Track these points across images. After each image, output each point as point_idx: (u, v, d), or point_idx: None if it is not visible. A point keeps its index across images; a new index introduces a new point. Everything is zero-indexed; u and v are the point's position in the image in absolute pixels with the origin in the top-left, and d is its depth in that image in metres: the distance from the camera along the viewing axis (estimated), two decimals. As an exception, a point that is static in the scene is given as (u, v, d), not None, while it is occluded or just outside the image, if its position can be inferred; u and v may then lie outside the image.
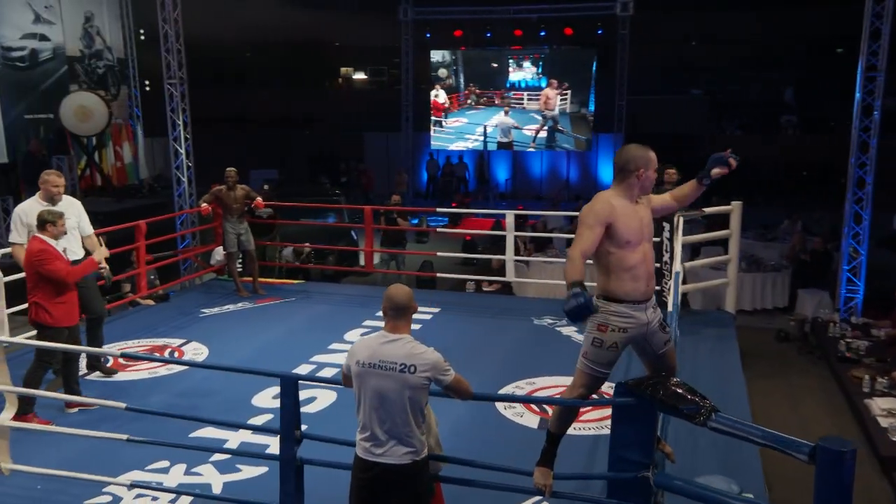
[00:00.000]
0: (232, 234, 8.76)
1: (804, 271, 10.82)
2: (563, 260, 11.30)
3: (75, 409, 5.66)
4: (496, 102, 20.37)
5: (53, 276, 5.24)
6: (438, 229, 14.58)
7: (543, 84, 19.76)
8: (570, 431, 4.20)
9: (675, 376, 3.57)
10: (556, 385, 6.26)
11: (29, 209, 5.83)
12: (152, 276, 9.20)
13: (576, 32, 19.47)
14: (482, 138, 20.73)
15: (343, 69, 26.84)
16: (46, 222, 5.37)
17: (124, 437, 4.43)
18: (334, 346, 7.21)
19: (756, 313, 10.78)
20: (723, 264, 8.58)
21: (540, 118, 20.05)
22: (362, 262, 12.19)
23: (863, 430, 6.95)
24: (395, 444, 3.42)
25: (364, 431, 3.47)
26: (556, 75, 19.68)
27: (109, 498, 4.48)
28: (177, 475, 4.73)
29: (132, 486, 4.40)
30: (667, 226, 7.79)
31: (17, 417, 5.20)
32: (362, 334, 7.61)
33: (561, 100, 19.67)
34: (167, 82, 11.85)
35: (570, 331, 7.66)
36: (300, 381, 3.95)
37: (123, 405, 4.47)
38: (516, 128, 20.39)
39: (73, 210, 6.04)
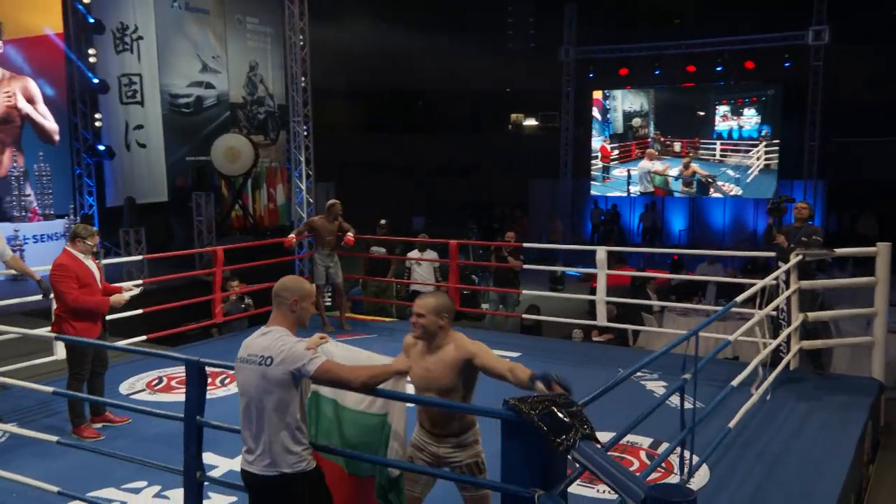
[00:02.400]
0: (321, 266, 8.89)
1: None
2: (702, 307, 10.35)
3: (100, 424, 5.90)
4: (676, 151, 19.53)
5: (61, 295, 5.52)
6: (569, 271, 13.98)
7: (762, 132, 18.52)
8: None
9: None
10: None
11: None
12: (244, 304, 9.54)
13: (758, 66, 18.17)
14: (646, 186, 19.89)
15: (513, 115, 27.11)
16: (77, 236, 5.70)
17: (105, 453, 4.51)
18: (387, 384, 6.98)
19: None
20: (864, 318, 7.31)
21: (732, 172, 18.89)
22: (483, 305, 11.97)
23: None
24: (263, 451, 3.15)
25: (242, 436, 3.25)
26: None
27: (66, 511, 4.54)
28: (145, 496, 4.72)
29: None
30: (782, 265, 6.83)
31: (75, 430, 5.61)
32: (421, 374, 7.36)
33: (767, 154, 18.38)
34: (293, 120, 12.51)
35: (655, 385, 6.87)
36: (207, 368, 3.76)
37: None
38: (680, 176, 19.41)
39: None
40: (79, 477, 4.80)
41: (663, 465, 5.03)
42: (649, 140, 19.84)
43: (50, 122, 14.12)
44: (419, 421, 3.60)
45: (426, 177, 23.95)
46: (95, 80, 14.43)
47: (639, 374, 7.24)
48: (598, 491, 4.93)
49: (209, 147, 15.28)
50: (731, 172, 19.27)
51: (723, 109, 18.98)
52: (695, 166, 19.32)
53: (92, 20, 14.27)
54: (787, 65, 18.28)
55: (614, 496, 4.76)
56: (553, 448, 2.69)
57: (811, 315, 7.03)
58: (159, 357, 4.89)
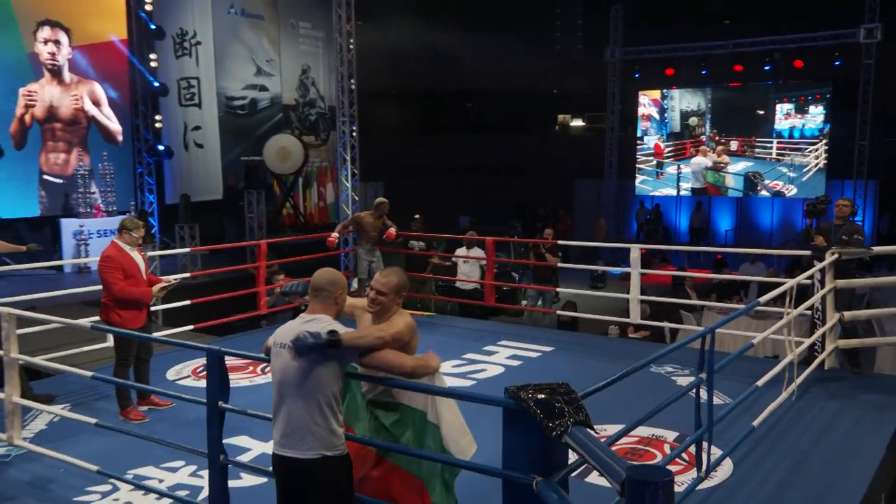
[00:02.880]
0: (364, 261, 9.00)
1: None
2: (739, 306, 10.15)
3: (146, 407, 6.09)
4: (733, 149, 19.18)
5: (107, 285, 5.71)
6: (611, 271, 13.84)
7: (825, 130, 18.11)
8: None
9: None
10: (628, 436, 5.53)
11: None
12: (288, 297, 9.71)
13: (807, 65, 17.69)
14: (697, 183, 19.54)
15: (560, 116, 26.93)
16: (124, 229, 5.89)
17: (135, 435, 4.68)
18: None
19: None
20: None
21: (787, 171, 18.48)
22: (523, 301, 11.95)
23: None
24: (301, 435, 3.19)
25: (274, 422, 3.31)
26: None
27: (110, 488, 4.73)
28: (182, 475, 4.87)
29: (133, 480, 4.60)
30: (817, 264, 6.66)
31: (122, 412, 5.83)
32: (455, 366, 7.40)
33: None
34: (339, 120, 12.68)
35: (686, 381, 6.75)
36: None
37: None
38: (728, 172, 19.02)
39: None
40: (122, 455, 4.98)
41: (686, 458, 4.98)
42: (704, 139, 19.51)
43: (114, 124, 14.57)
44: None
45: (473, 177, 23.98)
46: (156, 84, 14.86)
47: (670, 369, 7.23)
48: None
49: (262, 147, 15.57)
50: (786, 171, 18.82)
51: (786, 108, 18.50)
52: (726, 157, 18.99)
53: (153, 27, 14.69)
54: (836, 63, 17.76)
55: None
56: (547, 432, 2.70)
57: (847, 314, 6.84)
58: (182, 347, 5.00)
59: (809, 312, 6.88)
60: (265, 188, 15.76)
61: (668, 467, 4.94)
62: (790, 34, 17.25)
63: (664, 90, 19.72)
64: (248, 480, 4.74)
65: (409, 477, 3.55)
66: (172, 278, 6.54)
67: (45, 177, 13.56)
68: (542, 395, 2.81)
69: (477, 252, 10.73)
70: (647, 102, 19.93)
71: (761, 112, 18.90)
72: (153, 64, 14.85)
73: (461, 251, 10.95)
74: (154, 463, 5.01)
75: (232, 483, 4.45)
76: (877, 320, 8.59)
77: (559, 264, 9.81)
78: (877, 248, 7.07)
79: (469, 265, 10.84)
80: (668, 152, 20.05)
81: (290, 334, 3.24)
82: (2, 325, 5.07)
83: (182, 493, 4.48)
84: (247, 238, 13.75)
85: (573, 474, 3.35)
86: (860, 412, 6.07)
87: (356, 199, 13.31)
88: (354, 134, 14.78)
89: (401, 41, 22.08)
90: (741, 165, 19.34)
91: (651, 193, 20.33)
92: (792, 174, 18.79)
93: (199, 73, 15.62)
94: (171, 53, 15.42)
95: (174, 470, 4.95)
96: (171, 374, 6.96)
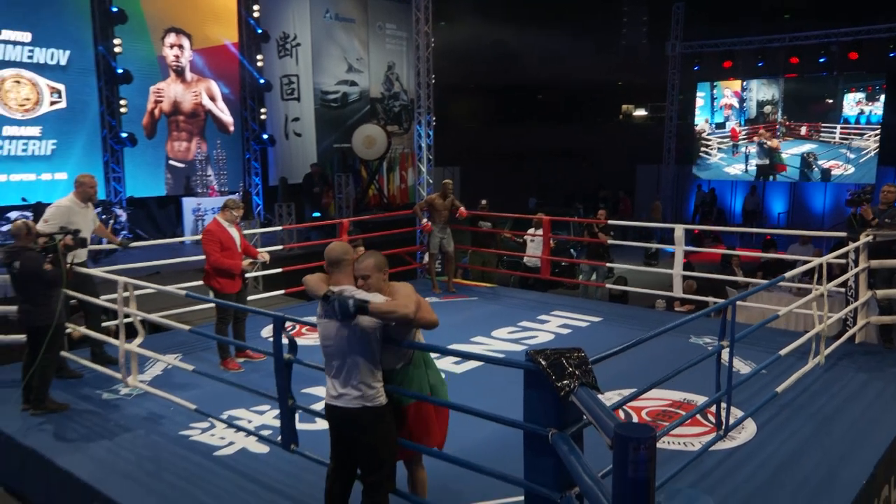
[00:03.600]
0: (436, 237, 9.14)
1: None
2: (788, 286, 9.79)
3: (242, 359, 6.43)
4: (802, 134, 18.44)
5: (206, 255, 6.03)
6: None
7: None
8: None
9: None
10: (657, 398, 5.51)
11: (61, 203, 6.15)
12: None
13: (861, 57, 16.66)
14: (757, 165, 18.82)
15: (624, 106, 26.28)
16: (226, 207, 6.21)
17: (227, 381, 4.97)
18: (476, 338, 7.18)
19: None
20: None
21: (846, 152, 17.63)
22: (579, 276, 11.86)
23: None
24: (347, 388, 3.35)
25: (327, 377, 3.49)
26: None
27: (208, 424, 5.05)
28: (267, 417, 5.14)
29: (228, 419, 4.90)
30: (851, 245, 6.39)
31: (222, 363, 6.18)
32: (510, 332, 7.47)
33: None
34: (417, 111, 12.77)
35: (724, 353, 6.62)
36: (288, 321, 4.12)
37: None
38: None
39: (90, 211, 6.34)
40: (220, 398, 5.29)
41: (712, 421, 4.90)
42: (776, 124, 18.82)
43: (227, 116, 15.11)
44: None
45: (542, 162, 23.78)
46: (262, 81, 15.31)
47: (707, 340, 7.09)
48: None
49: (351, 136, 15.85)
50: (845, 152, 17.96)
51: (858, 96, 17.61)
52: (776, 142, 18.28)
53: (260, 31, 15.12)
54: (891, 55, 16.65)
55: (678, 446, 4.77)
56: (556, 391, 2.75)
57: (880, 293, 6.55)
58: (256, 314, 5.22)
59: (843, 290, 6.63)
60: (354, 172, 16.08)
61: (693, 428, 4.96)
62: (846, 27, 16.25)
63: (744, 82, 19.05)
64: (320, 424, 4.94)
65: (420, 407, 3.64)
66: (264, 251, 6.78)
67: (171, 162, 14.22)
68: (555, 359, 2.85)
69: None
70: (729, 93, 19.49)
71: (830, 101, 18.05)
72: (259, 63, 15.29)
73: (531, 230, 10.92)
74: (245, 406, 5.31)
75: (306, 426, 4.70)
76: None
77: (610, 242, 9.67)
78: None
79: (535, 243, 10.81)
80: (743, 136, 19.46)
81: (323, 306, 3.40)
82: (123, 291, 5.45)
83: (265, 433, 4.76)
84: (336, 216, 14.10)
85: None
86: (886, 384, 5.85)
87: (431, 182, 13.41)
88: (432, 125, 14.86)
89: (478, 40, 22.05)
90: (805, 147, 18.59)
91: (710, 178, 19.65)
92: (850, 155, 17.88)
93: (299, 70, 15.99)
94: (275, 54, 15.84)
95: (261, 412, 5.24)
96: (265, 332, 7.28)
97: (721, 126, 19.76)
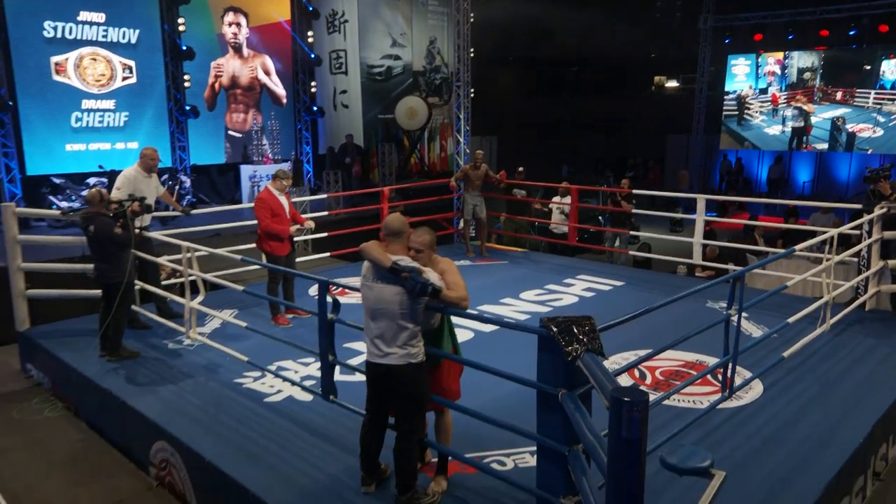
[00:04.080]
0: (469, 204, 9.16)
1: None
2: (806, 255, 9.58)
3: (291, 315, 6.61)
4: (837, 99, 17.77)
5: (258, 220, 6.17)
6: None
7: None
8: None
9: None
10: (672, 359, 5.51)
11: (127, 173, 6.34)
12: None
13: (892, 29, 15.82)
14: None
15: (656, 78, 25.52)
16: (277, 177, 6.34)
17: (273, 337, 5.16)
18: (505, 300, 7.21)
19: None
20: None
21: (877, 115, 16.95)
22: (606, 243, 11.75)
23: None
24: (393, 348, 3.46)
25: (367, 336, 3.59)
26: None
27: (260, 373, 5.25)
28: (311, 369, 5.31)
29: (276, 370, 5.10)
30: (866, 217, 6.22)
31: (273, 319, 6.38)
32: (537, 294, 7.50)
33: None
34: (455, 84, 12.66)
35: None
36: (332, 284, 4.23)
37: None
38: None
39: (153, 180, 6.50)
40: (270, 351, 5.46)
41: (721, 381, 4.88)
42: (814, 90, 18.14)
43: (280, 89, 15.23)
44: None
45: (575, 132, 23.37)
46: (312, 56, 15.35)
47: (722, 304, 6.97)
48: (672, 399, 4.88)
49: (394, 107, 15.83)
50: (876, 116, 17.23)
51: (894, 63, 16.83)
52: (811, 106, 17.69)
53: (311, 9, 15.10)
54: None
55: (688, 404, 4.79)
56: (565, 356, 2.80)
57: (892, 262, 6.38)
58: (303, 277, 5.33)
59: (856, 259, 6.47)
60: (397, 141, 16.09)
61: (703, 387, 4.96)
62: (876, 0, 15.39)
63: (786, 52, 18.34)
64: (358, 376, 5.10)
65: (450, 363, 3.75)
66: (310, 220, 6.88)
67: (229, 132, 14.44)
68: (566, 327, 2.90)
69: (569, 200, 10.61)
70: (772, 61, 18.87)
71: (868, 67, 17.25)
72: (310, 40, 15.32)
73: (556, 199, 10.83)
74: (292, 357, 5.49)
75: (346, 377, 4.86)
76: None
77: (634, 210, 9.55)
78: (928, 203, 6.43)
79: (560, 210, 10.73)
80: (782, 101, 18.81)
81: (377, 272, 3.46)
82: (185, 254, 5.65)
83: (309, 383, 4.94)
84: (380, 183, 14.18)
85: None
86: (892, 350, 5.73)
87: (468, 151, 13.36)
88: (470, 97, 14.73)
89: (516, 15, 21.54)
90: (839, 111, 17.91)
91: (752, 138, 18.98)
92: (881, 119, 17.17)
93: (346, 46, 15.94)
94: (325, 30, 15.82)
95: (306, 364, 5.41)
96: (312, 291, 7.43)
97: (764, 91, 19.23)
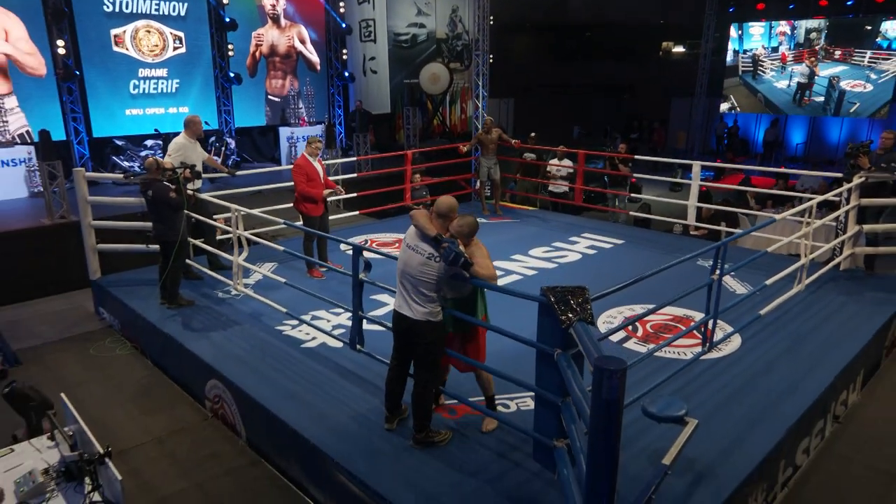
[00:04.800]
0: (485, 167, 9.12)
1: None
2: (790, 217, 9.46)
3: (325, 269, 6.75)
4: (836, 57, 17.14)
5: (295, 184, 6.25)
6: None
7: None
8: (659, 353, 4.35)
9: None
10: (662, 313, 5.58)
11: (178, 140, 6.36)
12: (425, 193, 9.84)
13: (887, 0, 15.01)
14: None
15: (664, 43, 24.60)
16: (309, 143, 6.38)
17: (304, 290, 5.27)
18: (515, 256, 7.27)
19: None
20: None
21: (869, 73, 16.34)
22: (616, 202, 11.66)
23: None
24: (414, 305, 3.56)
25: (398, 291, 3.69)
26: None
27: (297, 322, 5.43)
28: (342, 318, 5.47)
29: (310, 319, 5.27)
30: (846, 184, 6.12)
31: (308, 272, 6.52)
32: (544, 251, 7.54)
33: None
34: (475, 53, 12.42)
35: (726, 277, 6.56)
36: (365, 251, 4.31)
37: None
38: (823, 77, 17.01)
39: (198, 147, 6.49)
40: (305, 302, 5.53)
41: (706, 333, 4.92)
42: (818, 49, 17.48)
43: (314, 57, 15.07)
44: None
45: (587, 95, 22.79)
46: (343, 25, 15.08)
47: (710, 264, 6.98)
48: (648, 348, 5.00)
49: (419, 73, 15.61)
50: (870, 74, 16.59)
51: (894, 24, 16.07)
52: (814, 62, 17.24)
53: (341, -20, 14.74)
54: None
55: (673, 355, 4.88)
56: (560, 323, 2.89)
57: (866, 227, 6.31)
58: (337, 241, 5.40)
59: (835, 223, 6.41)
60: (421, 105, 15.90)
61: (688, 340, 5.02)
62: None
63: (788, 21, 17.62)
64: (384, 327, 5.26)
65: (481, 332, 3.85)
66: (340, 186, 6.90)
67: (269, 97, 14.41)
68: (563, 296, 2.95)
69: (566, 163, 10.48)
70: (783, 23, 18.06)
71: (868, 28, 16.50)
72: (342, 10, 15.02)
73: (554, 161, 10.67)
74: (325, 308, 5.64)
75: (373, 327, 5.00)
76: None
77: (636, 175, 9.43)
78: (904, 174, 6.29)
79: (560, 173, 10.57)
80: (790, 59, 18.16)
81: (413, 239, 3.55)
82: (234, 216, 5.77)
83: (340, 332, 5.11)
84: (405, 145, 14.13)
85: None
86: (861, 305, 5.75)
87: (485, 115, 13.20)
88: (488, 63, 14.41)
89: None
90: (838, 69, 17.28)
91: (764, 91, 18.40)
92: (872, 76, 16.56)
93: (375, 15, 15.63)
94: (355, 1, 15.48)
95: (337, 314, 5.57)
96: (343, 246, 7.53)
97: (775, 50, 18.57)
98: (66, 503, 3.45)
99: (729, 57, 18.58)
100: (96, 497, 3.36)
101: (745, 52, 18.60)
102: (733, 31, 18.26)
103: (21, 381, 4.35)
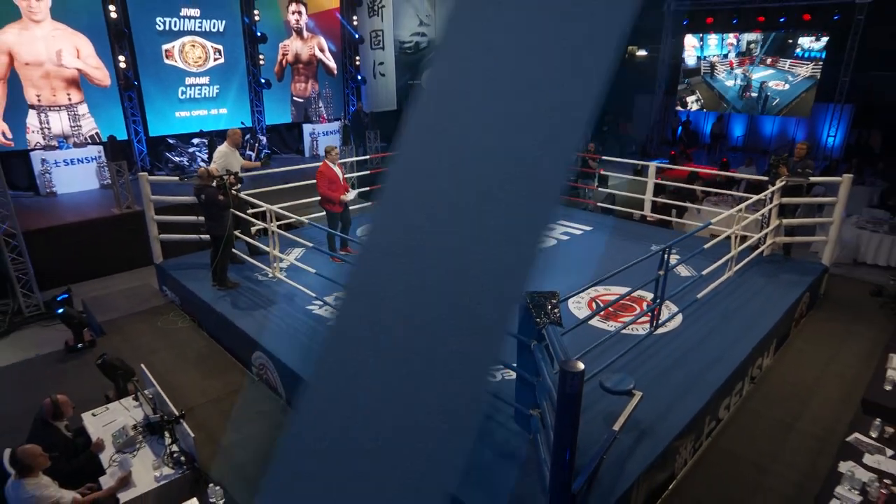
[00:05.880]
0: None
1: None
2: (714, 209, 9.53)
3: (343, 253, 6.86)
4: (768, 63, 17.10)
5: (318, 187, 6.33)
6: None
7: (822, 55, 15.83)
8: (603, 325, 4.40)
9: None
10: (617, 293, 5.75)
11: (221, 149, 6.32)
12: None
13: (813, 18, 14.77)
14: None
15: (629, 47, 24.12)
16: (327, 152, 6.43)
17: (329, 278, 5.42)
18: (500, 242, 7.39)
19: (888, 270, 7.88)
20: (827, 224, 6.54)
21: (789, 77, 16.32)
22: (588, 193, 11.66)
23: (873, 378, 4.81)
24: None
25: None
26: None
27: (321, 303, 5.55)
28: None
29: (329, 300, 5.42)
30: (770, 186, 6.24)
31: (332, 258, 6.61)
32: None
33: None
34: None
35: (673, 259, 6.71)
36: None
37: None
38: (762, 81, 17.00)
39: (237, 154, 6.45)
40: (330, 285, 5.52)
41: (654, 313, 5.09)
42: (755, 57, 17.36)
43: (332, 63, 14.83)
44: None
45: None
46: (356, 35, 14.79)
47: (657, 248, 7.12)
48: (608, 325, 5.17)
49: (421, 75, 15.36)
50: (788, 77, 16.54)
51: (808, 39, 15.91)
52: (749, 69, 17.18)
53: (354, -4, 14.38)
54: (835, 17, 14.74)
55: (628, 330, 5.04)
56: (536, 325, 3.03)
57: (785, 221, 6.45)
58: (334, 234, 5.48)
59: (761, 217, 6.55)
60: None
61: (642, 318, 5.18)
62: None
63: (730, 33, 17.42)
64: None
65: None
66: (354, 192, 6.95)
67: (294, 98, 14.24)
68: (539, 301, 3.09)
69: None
70: (730, 36, 17.75)
71: (790, 41, 16.40)
72: (355, 23, 14.71)
73: None
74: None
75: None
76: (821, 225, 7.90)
77: (603, 172, 9.48)
78: (814, 179, 6.40)
79: None
80: (736, 64, 18.03)
81: None
82: (267, 213, 5.86)
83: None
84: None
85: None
86: (777, 286, 5.92)
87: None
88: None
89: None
90: (768, 72, 17.25)
91: (720, 89, 18.33)
92: (790, 78, 16.58)
93: (383, 26, 15.29)
94: (366, 14, 15.12)
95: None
96: (359, 231, 7.63)
97: (725, 57, 18.42)
98: (151, 452, 3.70)
99: (693, 61, 18.39)
100: (175, 448, 3.61)
101: (705, 57, 18.57)
102: (696, 41, 18.12)
103: (109, 353, 4.55)
